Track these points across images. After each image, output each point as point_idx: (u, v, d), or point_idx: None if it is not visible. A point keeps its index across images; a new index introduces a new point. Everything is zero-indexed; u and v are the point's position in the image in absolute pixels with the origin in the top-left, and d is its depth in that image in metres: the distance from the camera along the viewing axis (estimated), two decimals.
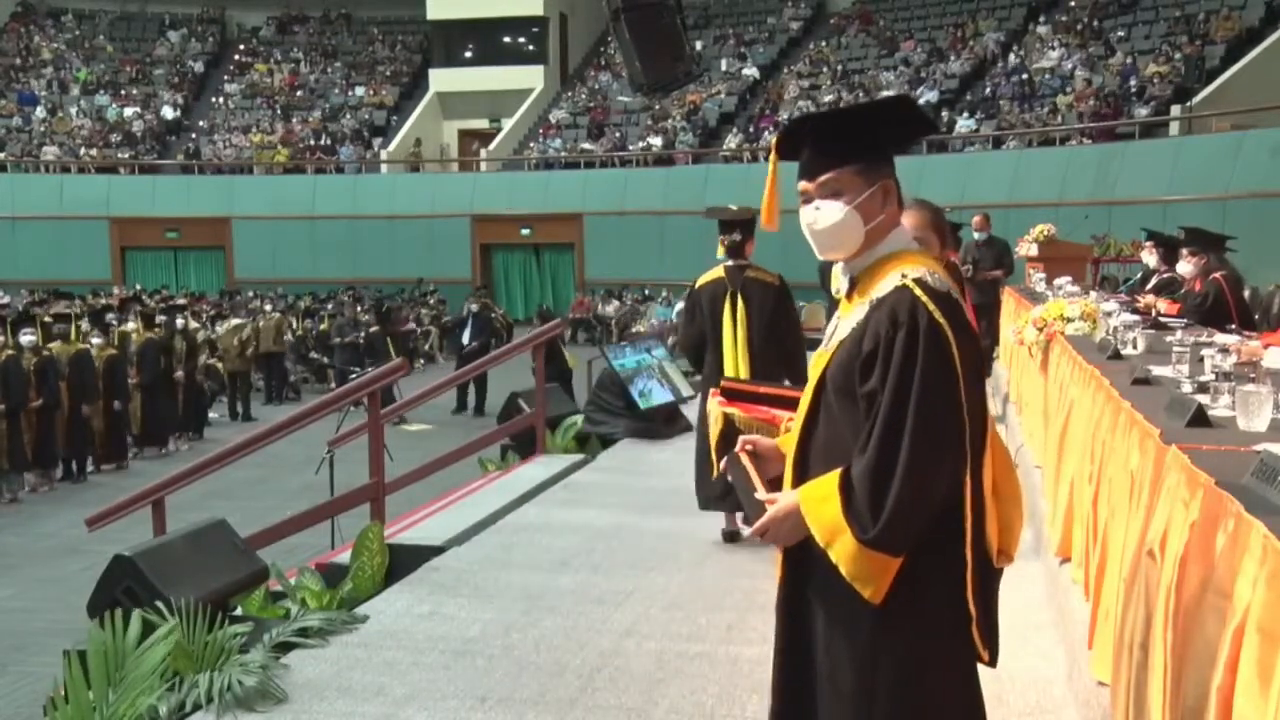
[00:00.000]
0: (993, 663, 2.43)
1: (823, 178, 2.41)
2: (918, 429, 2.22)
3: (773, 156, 2.52)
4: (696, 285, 6.07)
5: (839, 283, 2.51)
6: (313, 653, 4.80)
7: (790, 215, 2.46)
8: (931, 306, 2.27)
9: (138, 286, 27.48)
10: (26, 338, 13.03)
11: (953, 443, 2.26)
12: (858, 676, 2.33)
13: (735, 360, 5.75)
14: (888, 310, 2.30)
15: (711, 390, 3.21)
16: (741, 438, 2.66)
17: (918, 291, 2.28)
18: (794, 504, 2.37)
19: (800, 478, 2.42)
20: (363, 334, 19.40)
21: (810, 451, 2.43)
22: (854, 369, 2.33)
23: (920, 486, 2.23)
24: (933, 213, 3.76)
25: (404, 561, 6.15)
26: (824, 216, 2.41)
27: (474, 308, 17.94)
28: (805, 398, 2.48)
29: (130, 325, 16.04)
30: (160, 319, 15.91)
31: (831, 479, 2.31)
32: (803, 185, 2.45)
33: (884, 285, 2.34)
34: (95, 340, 14.36)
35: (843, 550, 2.27)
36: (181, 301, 22.08)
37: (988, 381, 12.08)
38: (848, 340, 2.37)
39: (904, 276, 2.32)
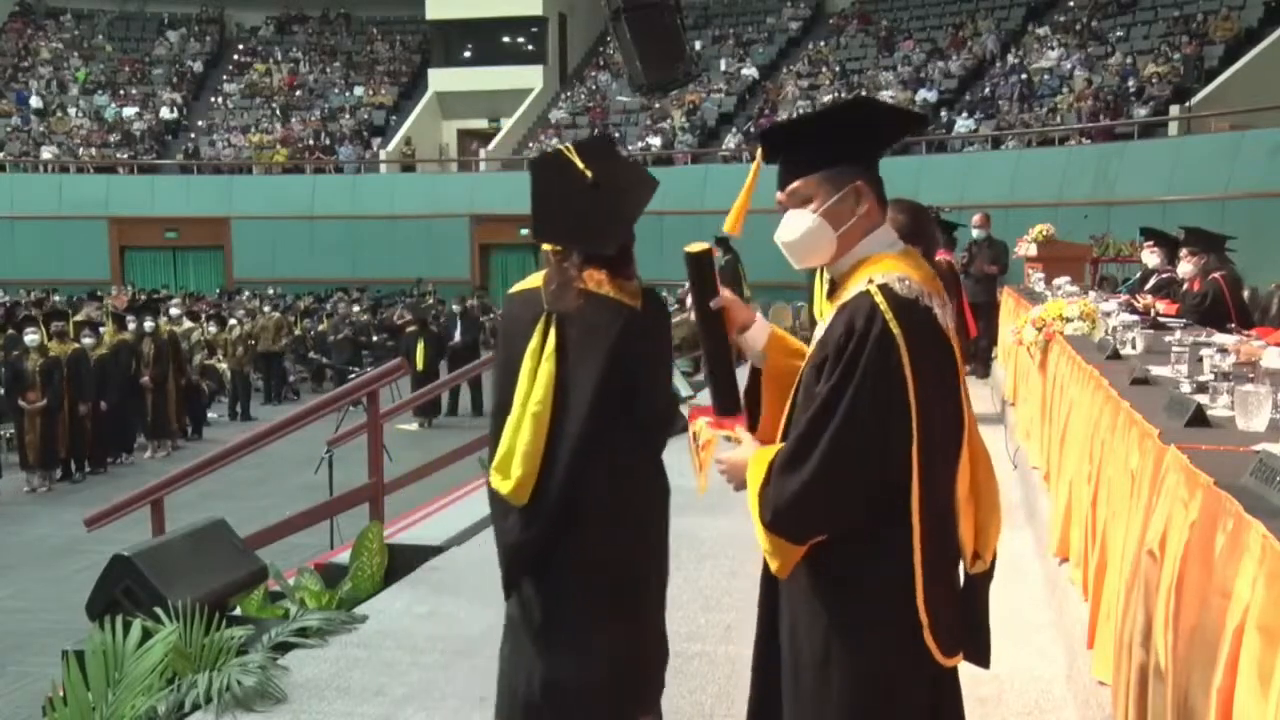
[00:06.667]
0: (980, 663, 2.44)
1: (791, 187, 2.41)
2: (838, 435, 2.22)
3: (755, 163, 2.50)
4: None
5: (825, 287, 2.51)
6: (312, 653, 4.80)
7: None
8: (889, 315, 2.24)
9: (128, 286, 27.45)
10: (30, 338, 13.02)
11: (874, 455, 2.24)
12: (816, 675, 2.34)
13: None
14: (846, 315, 2.29)
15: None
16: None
17: (878, 298, 2.26)
18: (744, 462, 2.42)
19: None
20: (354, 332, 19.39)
21: None
22: (815, 372, 2.35)
23: (824, 491, 2.25)
24: (907, 216, 3.52)
25: (403, 561, 6.14)
26: (793, 227, 2.41)
27: (456, 307, 18.02)
28: (790, 398, 2.50)
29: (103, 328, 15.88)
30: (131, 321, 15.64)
31: (771, 452, 2.34)
32: (778, 197, 2.45)
33: (853, 289, 2.33)
34: (86, 340, 14.29)
35: (757, 522, 2.35)
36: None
37: (986, 382, 11.97)
38: (817, 345, 2.38)
39: (870, 281, 2.30)
